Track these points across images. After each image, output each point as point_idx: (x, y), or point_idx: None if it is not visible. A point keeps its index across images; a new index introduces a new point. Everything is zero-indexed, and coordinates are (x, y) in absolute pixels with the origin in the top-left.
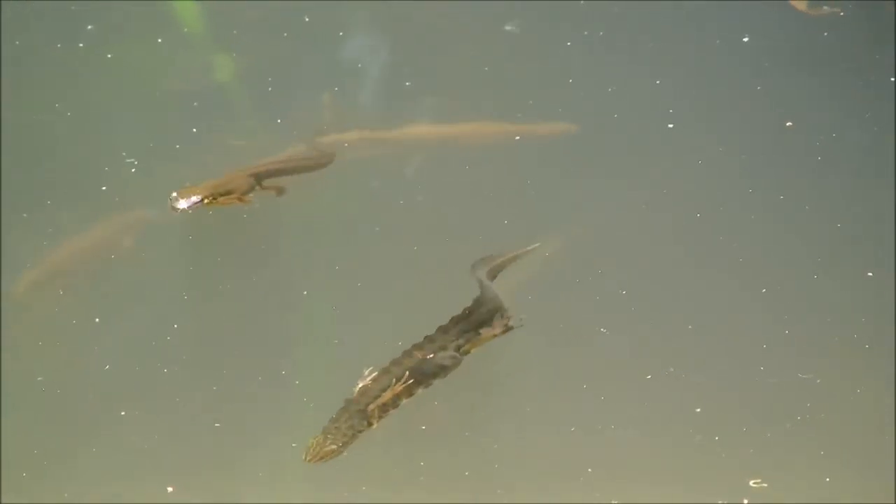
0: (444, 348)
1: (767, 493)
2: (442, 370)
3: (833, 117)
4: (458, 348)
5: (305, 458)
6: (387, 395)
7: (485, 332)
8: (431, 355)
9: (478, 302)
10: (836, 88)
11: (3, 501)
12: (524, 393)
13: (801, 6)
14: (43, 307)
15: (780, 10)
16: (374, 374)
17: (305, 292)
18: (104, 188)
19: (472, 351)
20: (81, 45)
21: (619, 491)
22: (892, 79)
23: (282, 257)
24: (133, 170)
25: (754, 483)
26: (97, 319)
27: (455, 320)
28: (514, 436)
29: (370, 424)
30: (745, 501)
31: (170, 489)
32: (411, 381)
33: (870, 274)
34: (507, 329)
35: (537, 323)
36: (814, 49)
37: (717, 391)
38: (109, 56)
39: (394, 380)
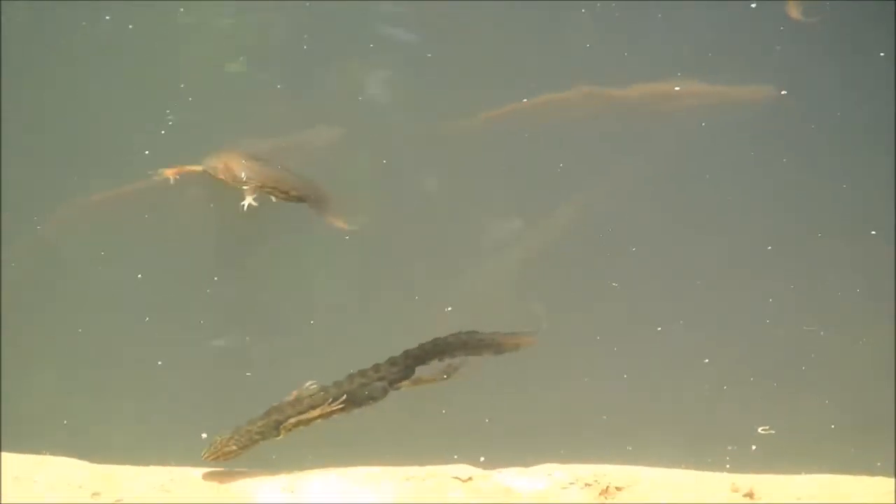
0: (382, 379)
1: (774, 439)
2: (371, 400)
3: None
4: (391, 383)
5: (204, 455)
6: (314, 414)
7: (424, 376)
8: (367, 383)
9: (435, 345)
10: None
11: (40, 450)
12: (538, 346)
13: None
14: (88, 256)
15: None
16: (313, 389)
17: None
18: (146, 152)
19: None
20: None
21: (632, 437)
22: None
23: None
24: (163, 132)
25: (762, 430)
26: (140, 275)
27: (406, 355)
28: (529, 386)
29: (278, 435)
30: (754, 447)
31: (203, 435)
32: (341, 406)
33: (873, 232)
34: (442, 379)
35: (553, 280)
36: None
37: (725, 344)
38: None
39: (330, 399)
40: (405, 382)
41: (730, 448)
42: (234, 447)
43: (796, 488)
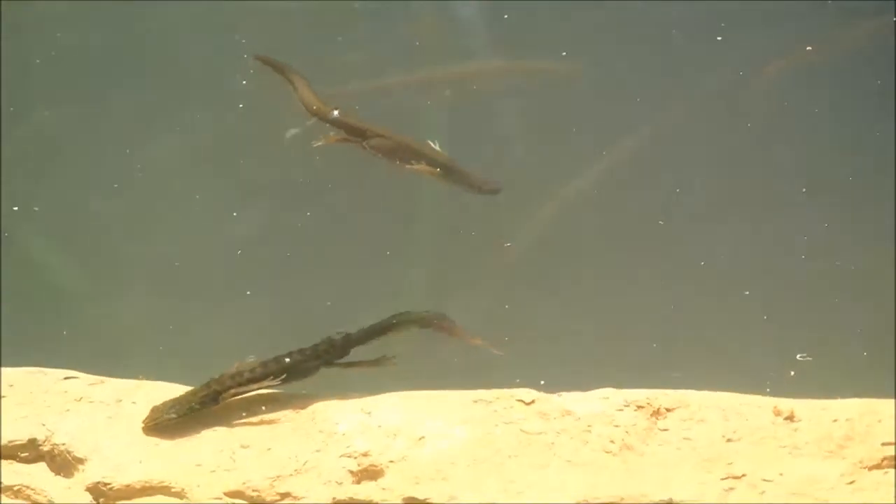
0: (318, 358)
1: (812, 366)
2: (304, 374)
3: None
4: (326, 362)
5: (143, 423)
6: (252, 387)
7: (356, 360)
8: (304, 360)
9: (371, 330)
10: None
11: (136, 374)
12: (592, 283)
13: None
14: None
15: None
16: (253, 363)
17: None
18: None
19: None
20: None
21: (679, 365)
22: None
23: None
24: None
25: (800, 357)
26: (235, 213)
27: (346, 337)
28: (584, 318)
29: (216, 404)
30: (792, 373)
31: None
32: (279, 381)
33: None
34: (373, 365)
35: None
36: None
37: (764, 277)
38: None
39: (271, 377)
40: (339, 363)
41: (770, 374)
42: (174, 415)
43: (833, 411)
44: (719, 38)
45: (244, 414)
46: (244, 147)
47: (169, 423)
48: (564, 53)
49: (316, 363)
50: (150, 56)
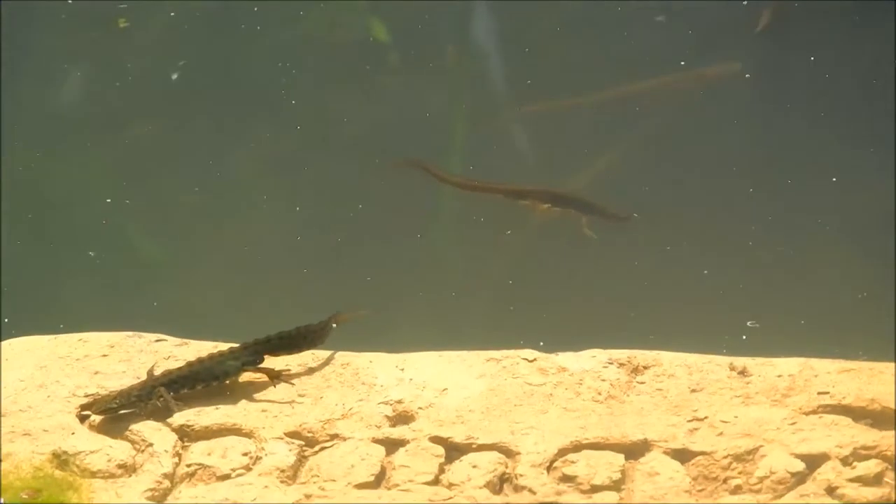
0: (237, 359)
1: (759, 331)
2: (225, 376)
3: None
4: (243, 364)
5: (88, 407)
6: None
7: (265, 367)
8: (223, 362)
9: (300, 335)
10: None
11: (214, 338)
12: (584, 265)
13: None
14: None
15: None
16: (181, 365)
17: None
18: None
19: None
20: None
21: (654, 330)
22: None
23: None
24: None
25: (750, 324)
26: (297, 208)
27: (268, 339)
28: (576, 291)
29: (150, 400)
30: (744, 337)
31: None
32: (202, 383)
33: (833, 179)
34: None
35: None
36: None
37: (721, 260)
38: None
39: (198, 383)
40: (251, 367)
41: (727, 338)
42: (115, 405)
43: (778, 368)
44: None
45: (301, 370)
46: (301, 156)
47: (109, 411)
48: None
49: (235, 364)
50: (225, 83)
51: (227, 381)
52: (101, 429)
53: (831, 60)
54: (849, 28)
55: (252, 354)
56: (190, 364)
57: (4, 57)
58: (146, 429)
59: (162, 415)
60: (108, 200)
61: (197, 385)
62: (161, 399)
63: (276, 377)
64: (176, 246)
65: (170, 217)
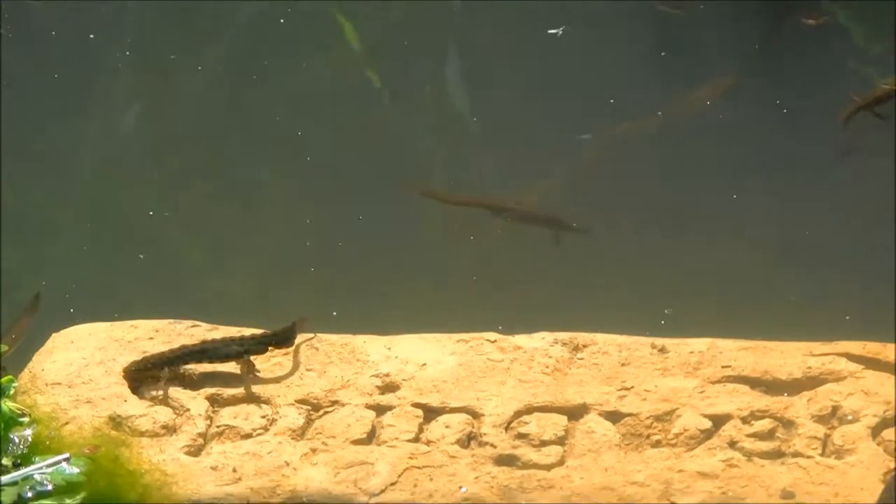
0: (241, 346)
1: (674, 317)
2: (227, 357)
3: None
4: (246, 350)
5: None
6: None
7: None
8: (230, 344)
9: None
10: None
11: (242, 325)
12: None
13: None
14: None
15: None
16: (196, 342)
17: None
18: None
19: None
20: None
21: (591, 316)
22: None
23: None
24: None
25: (667, 311)
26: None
27: (272, 334)
28: (529, 284)
29: (169, 367)
30: (662, 322)
31: (334, 313)
32: (209, 360)
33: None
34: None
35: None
36: None
37: (643, 258)
38: None
39: (206, 359)
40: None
41: (648, 322)
42: (146, 365)
43: (690, 346)
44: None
45: (308, 349)
46: (310, 179)
47: (143, 370)
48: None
49: (238, 349)
50: (247, 121)
51: (233, 363)
52: (146, 398)
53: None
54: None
55: (256, 345)
56: (203, 342)
57: (71, 96)
58: (184, 397)
59: (196, 385)
60: (150, 213)
61: (204, 360)
62: (185, 369)
63: (251, 368)
64: (209, 250)
65: (204, 227)
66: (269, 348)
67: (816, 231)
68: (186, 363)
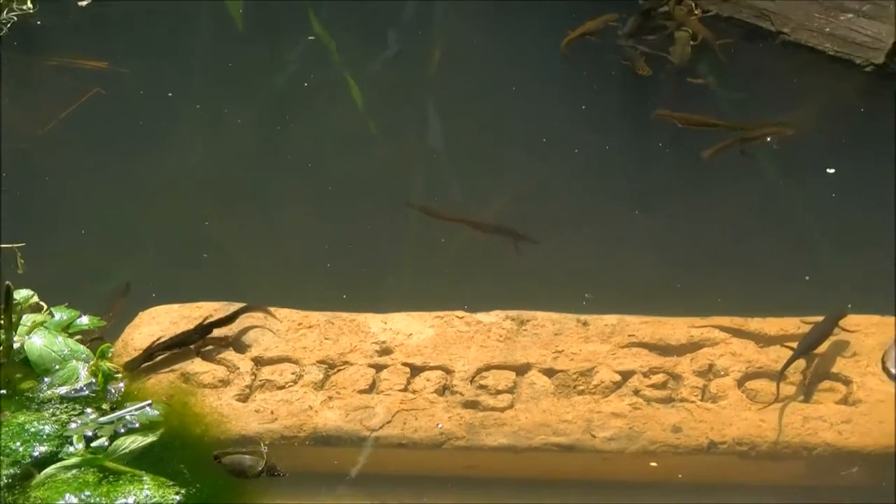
0: (197, 332)
1: (594, 301)
2: (192, 341)
3: None
4: (201, 336)
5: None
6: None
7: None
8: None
9: (229, 317)
10: None
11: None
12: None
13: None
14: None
15: None
16: (181, 331)
17: None
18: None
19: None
20: None
21: (531, 296)
22: None
23: None
24: None
25: (588, 295)
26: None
27: (216, 321)
28: (485, 269)
29: (183, 347)
30: (584, 303)
31: (344, 296)
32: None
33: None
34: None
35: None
36: None
37: (570, 251)
38: None
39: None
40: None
41: (574, 302)
42: (163, 346)
43: (605, 320)
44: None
45: (326, 323)
46: (323, 197)
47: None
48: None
49: (196, 336)
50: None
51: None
52: (208, 359)
53: None
54: None
55: (205, 330)
56: (185, 332)
57: (153, 138)
58: (235, 358)
59: (242, 348)
60: (206, 223)
61: (183, 347)
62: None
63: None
64: (251, 252)
65: (247, 235)
66: (217, 329)
67: (703, 237)
68: (172, 351)
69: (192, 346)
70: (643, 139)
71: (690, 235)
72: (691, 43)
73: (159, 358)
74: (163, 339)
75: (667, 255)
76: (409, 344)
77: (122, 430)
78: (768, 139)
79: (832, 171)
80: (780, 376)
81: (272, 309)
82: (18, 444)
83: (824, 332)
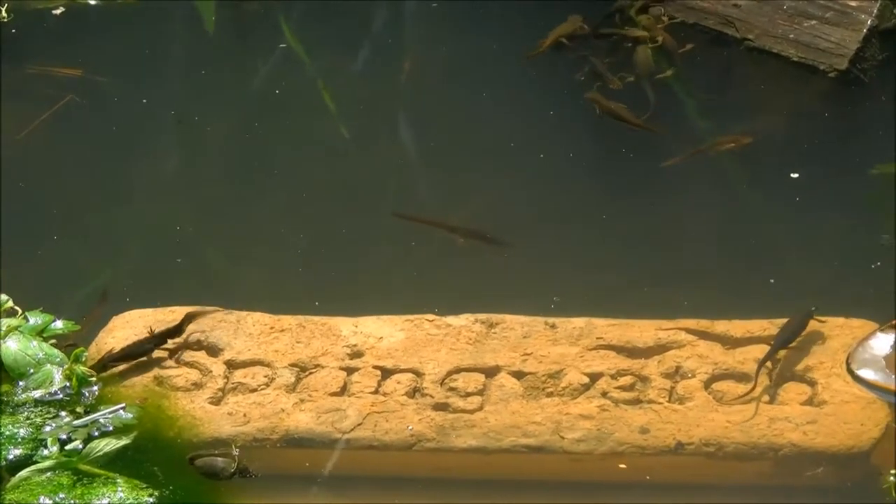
0: (149, 342)
1: (561, 304)
2: (146, 353)
3: None
4: (155, 345)
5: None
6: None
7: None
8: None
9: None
10: None
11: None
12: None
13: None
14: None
15: None
16: (133, 342)
17: None
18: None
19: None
20: None
21: (498, 300)
22: None
23: None
24: None
25: (556, 299)
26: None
27: (164, 332)
28: (458, 275)
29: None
30: (552, 306)
31: (317, 304)
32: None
33: None
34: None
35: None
36: None
37: (539, 257)
38: None
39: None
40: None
41: (543, 306)
42: (118, 356)
43: (573, 323)
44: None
45: (299, 328)
46: (310, 202)
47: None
48: None
49: (149, 346)
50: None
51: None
52: (180, 363)
53: None
54: None
55: (159, 339)
56: (136, 342)
57: (133, 147)
58: (207, 362)
59: (215, 352)
60: (180, 228)
61: (138, 358)
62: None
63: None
64: (227, 259)
65: (223, 241)
66: (168, 339)
67: (669, 241)
68: (134, 358)
69: (145, 358)
70: (610, 145)
71: (657, 239)
72: (650, 46)
73: (115, 369)
74: (114, 351)
75: (633, 258)
76: (380, 347)
77: (97, 434)
78: (730, 146)
79: (796, 175)
80: (759, 368)
81: (237, 313)
82: None
83: (801, 324)
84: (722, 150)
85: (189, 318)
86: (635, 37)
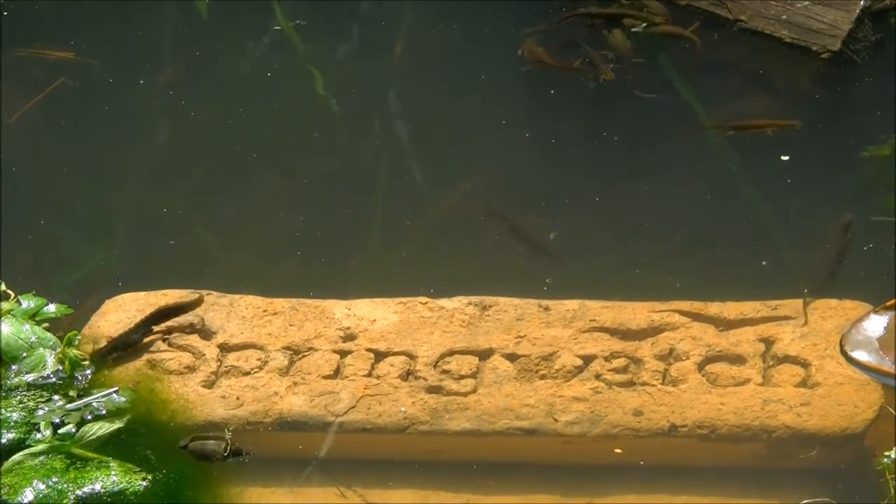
0: (137, 330)
1: (552, 286)
2: (137, 340)
3: None
4: (143, 334)
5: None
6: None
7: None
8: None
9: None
10: None
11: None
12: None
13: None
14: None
15: None
16: (128, 329)
17: None
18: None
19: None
20: None
21: (491, 283)
22: None
23: None
24: None
25: (548, 280)
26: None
27: (151, 317)
28: (448, 262)
29: (130, 346)
30: (545, 287)
31: (311, 294)
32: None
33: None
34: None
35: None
36: None
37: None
38: None
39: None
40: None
41: (536, 288)
42: (112, 346)
43: (566, 305)
44: None
45: (291, 310)
46: (303, 186)
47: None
48: None
49: (137, 336)
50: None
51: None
52: (174, 346)
53: None
54: None
55: (147, 325)
56: (129, 329)
57: (124, 126)
58: (200, 345)
59: (208, 335)
60: (173, 211)
61: (129, 346)
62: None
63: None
64: (220, 240)
65: (216, 223)
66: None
67: (662, 223)
68: (135, 342)
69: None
70: (603, 126)
71: (649, 221)
72: (633, 30)
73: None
74: (103, 347)
75: (627, 240)
76: (373, 330)
77: (90, 417)
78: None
79: (787, 157)
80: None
81: (230, 296)
82: None
83: (845, 244)
84: (766, 132)
85: (180, 308)
86: (609, 15)
